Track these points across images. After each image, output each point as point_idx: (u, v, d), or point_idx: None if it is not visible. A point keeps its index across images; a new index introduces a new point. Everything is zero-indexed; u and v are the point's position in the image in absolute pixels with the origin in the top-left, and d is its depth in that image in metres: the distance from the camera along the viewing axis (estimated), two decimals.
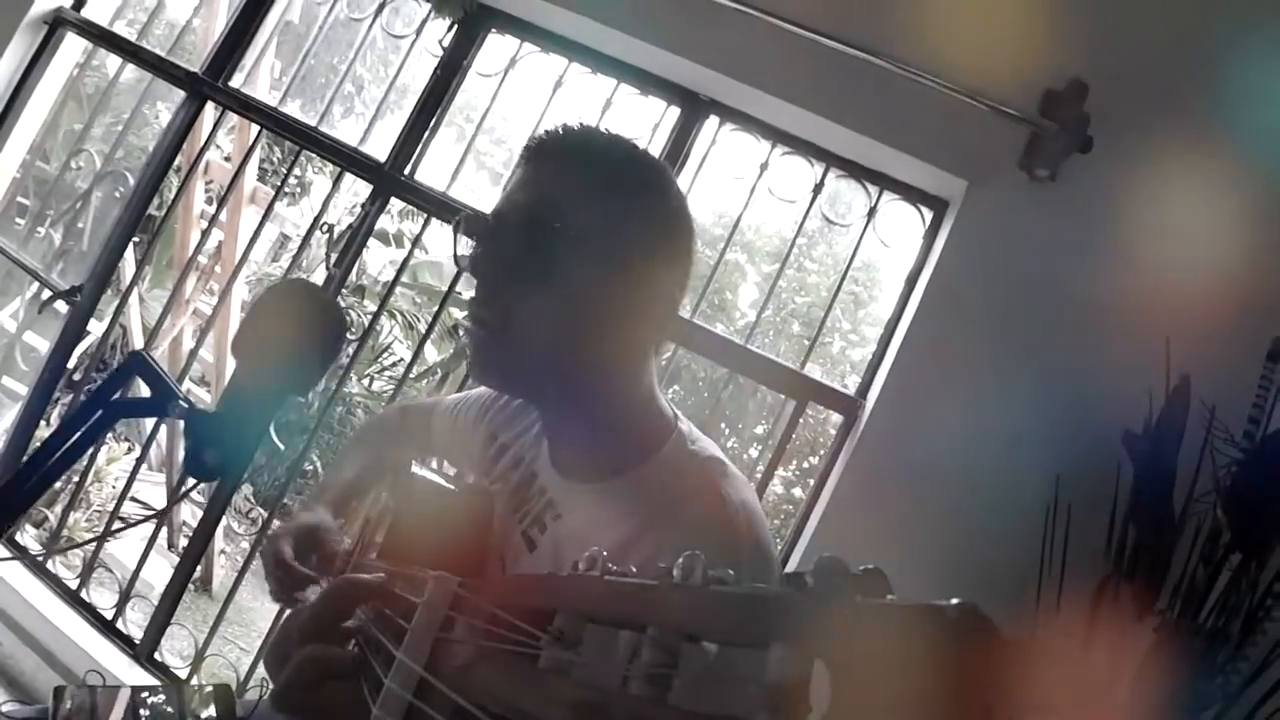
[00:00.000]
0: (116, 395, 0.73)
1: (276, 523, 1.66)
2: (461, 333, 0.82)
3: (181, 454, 0.75)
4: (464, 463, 1.02)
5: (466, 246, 0.75)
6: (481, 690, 0.29)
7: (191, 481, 0.75)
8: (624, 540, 0.69)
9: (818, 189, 1.89)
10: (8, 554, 1.88)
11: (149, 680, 1.82)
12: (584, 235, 0.70)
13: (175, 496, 2.60)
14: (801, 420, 1.87)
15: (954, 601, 0.16)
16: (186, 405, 0.73)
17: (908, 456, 1.63)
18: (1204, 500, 1.42)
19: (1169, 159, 1.63)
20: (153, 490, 3.55)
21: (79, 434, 0.71)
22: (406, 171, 1.98)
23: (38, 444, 0.71)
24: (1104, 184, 1.64)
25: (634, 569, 0.28)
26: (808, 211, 1.90)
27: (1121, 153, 1.62)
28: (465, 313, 0.77)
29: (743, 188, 1.92)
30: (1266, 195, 1.58)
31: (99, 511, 3.02)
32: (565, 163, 0.73)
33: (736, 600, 0.22)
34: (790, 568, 1.68)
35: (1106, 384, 1.55)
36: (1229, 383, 1.45)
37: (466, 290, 0.81)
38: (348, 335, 0.76)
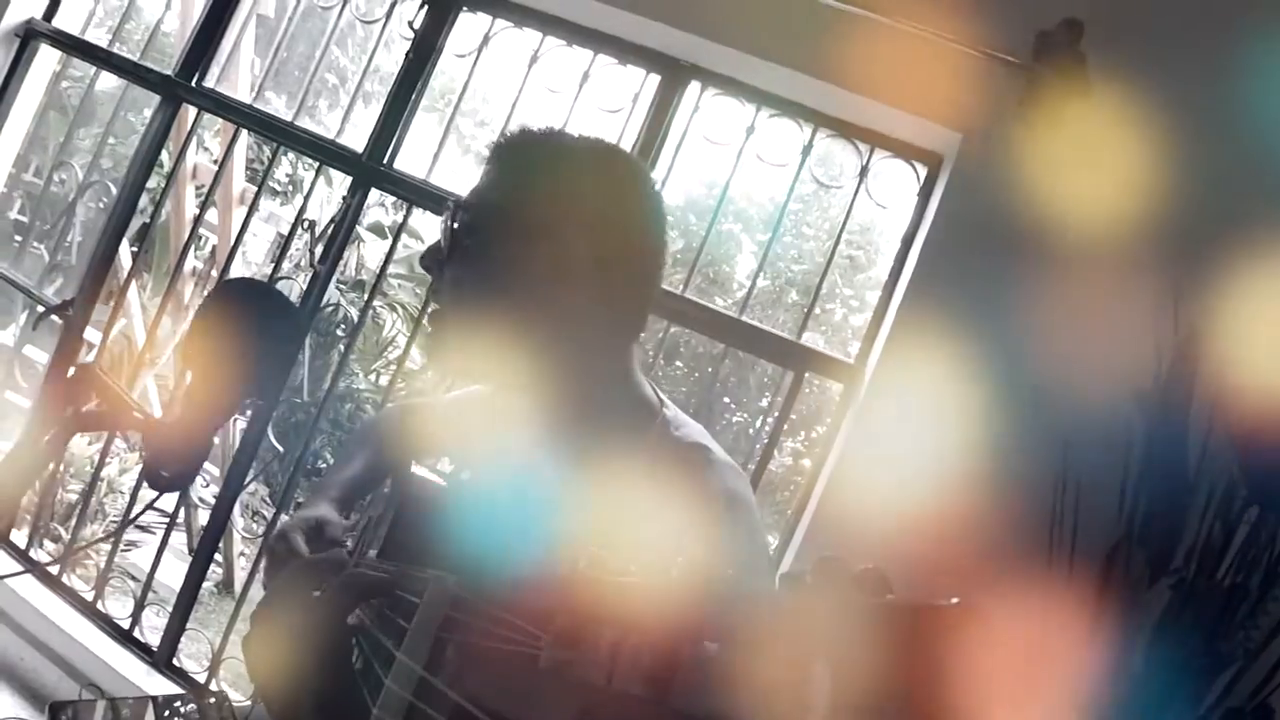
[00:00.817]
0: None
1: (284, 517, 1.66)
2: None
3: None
4: (464, 459, 1.02)
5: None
6: (482, 690, 0.29)
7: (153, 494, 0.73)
8: (609, 530, 0.67)
9: (807, 150, 1.83)
10: (19, 568, 1.90)
11: (169, 687, 1.84)
12: (503, 219, 0.72)
13: (144, 506, 2.62)
14: (808, 390, 1.84)
15: (954, 600, 0.16)
16: (140, 417, 0.71)
17: (911, 423, 1.59)
18: (1220, 458, 1.38)
19: (1170, 97, 1.56)
20: (169, 497, 3.57)
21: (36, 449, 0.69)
22: (386, 160, 1.95)
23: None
24: (1105, 127, 1.57)
25: (632, 568, 0.28)
26: (798, 175, 1.85)
27: (1122, 93, 1.55)
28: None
29: (729, 154, 1.87)
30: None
31: (115, 521, 3.05)
32: (521, 159, 0.76)
33: (736, 600, 0.22)
34: (797, 540, 1.66)
35: (1115, 341, 1.50)
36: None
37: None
38: (299, 326, 0.74)
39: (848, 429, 1.65)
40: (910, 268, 1.67)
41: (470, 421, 0.99)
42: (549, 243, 0.72)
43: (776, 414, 1.76)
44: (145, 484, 0.73)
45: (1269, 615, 1.25)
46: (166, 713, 1.07)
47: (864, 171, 1.81)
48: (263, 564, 0.95)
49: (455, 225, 0.74)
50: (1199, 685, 1.25)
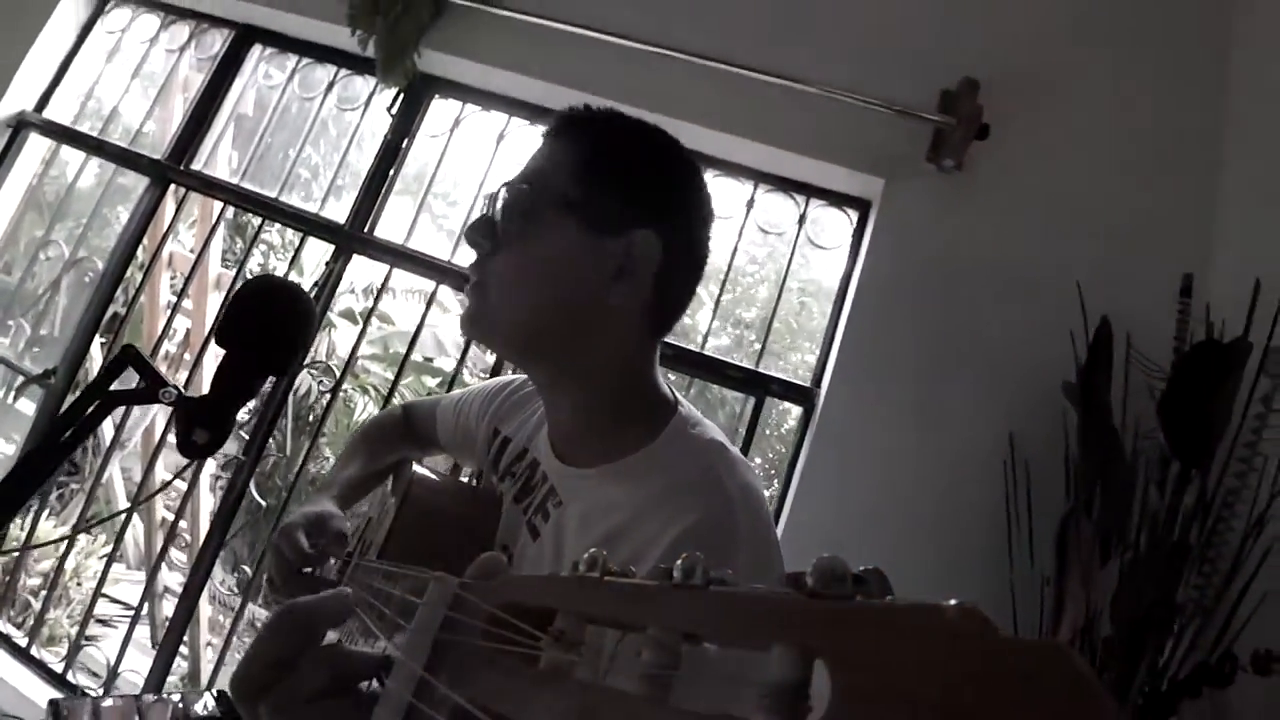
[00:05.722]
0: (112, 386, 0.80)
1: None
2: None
3: (174, 438, 0.82)
4: (469, 459, 1.03)
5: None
6: (482, 690, 0.29)
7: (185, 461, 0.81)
8: (622, 526, 0.68)
9: (750, 204, 2.03)
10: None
11: None
12: (550, 195, 0.70)
13: (148, 494, 2.57)
14: (773, 433, 1.95)
15: (953, 601, 0.16)
16: (175, 392, 0.80)
17: (866, 437, 1.73)
18: (1151, 435, 1.51)
19: (1060, 132, 1.82)
20: (131, 589, 3.47)
21: (79, 424, 0.78)
22: (366, 228, 2.09)
23: (39, 437, 0.77)
24: (1006, 164, 1.81)
25: (633, 567, 0.28)
26: (742, 227, 2.04)
27: (1017, 134, 1.80)
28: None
29: None
30: (1168, 143, 1.77)
31: (80, 605, 2.95)
32: (565, 138, 0.73)
33: (737, 600, 0.21)
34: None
35: (1040, 340, 1.68)
36: (1149, 322, 1.57)
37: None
38: (314, 314, 0.84)
39: (808, 446, 1.77)
40: (850, 299, 1.84)
41: (476, 419, 0.98)
42: (618, 240, 0.69)
43: (742, 436, 1.87)
44: (180, 452, 0.81)
45: (1213, 565, 1.33)
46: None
47: (802, 219, 2.01)
48: (267, 560, 0.91)
49: (514, 202, 0.71)
50: (1161, 640, 1.32)
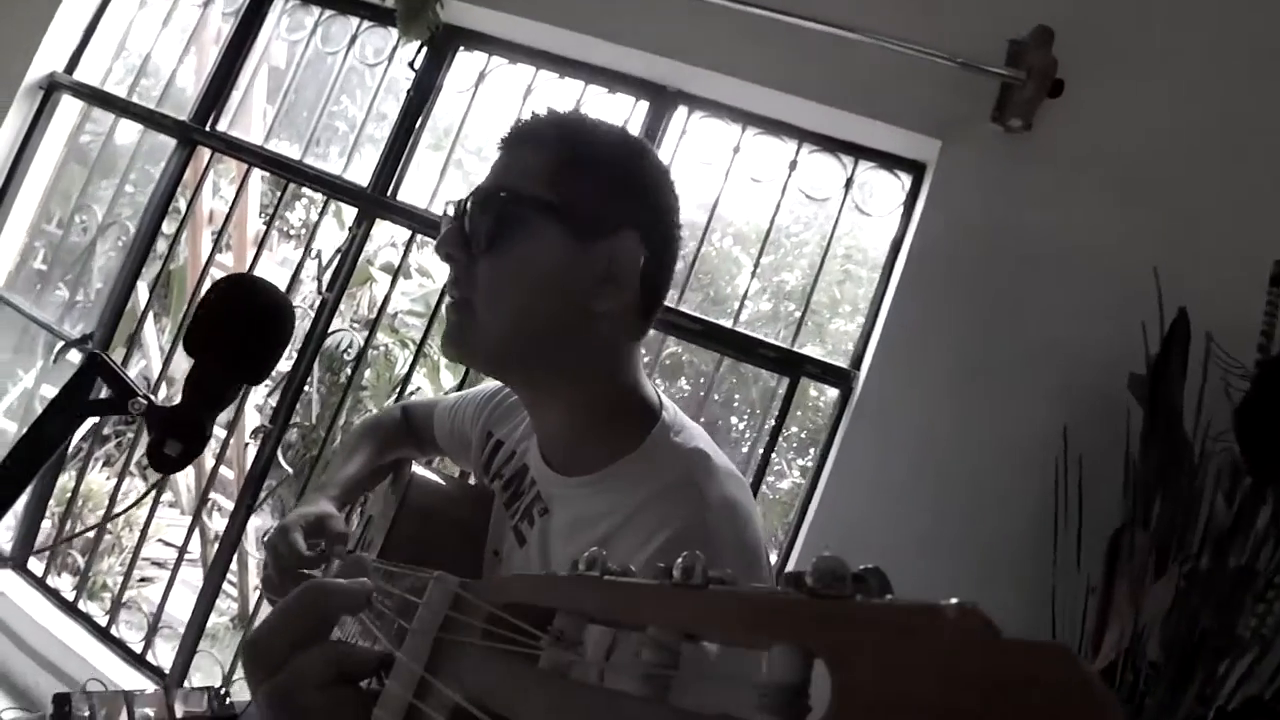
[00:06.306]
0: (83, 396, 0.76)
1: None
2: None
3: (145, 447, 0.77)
4: (464, 461, 1.02)
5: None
6: (482, 690, 0.29)
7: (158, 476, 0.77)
8: (604, 538, 0.67)
9: (793, 166, 1.89)
10: (44, 602, 1.93)
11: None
12: (531, 203, 0.67)
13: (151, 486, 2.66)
14: (811, 403, 1.85)
15: (954, 601, 0.16)
16: (145, 401, 0.75)
17: (906, 423, 1.61)
18: (1222, 439, 1.38)
19: (1144, 93, 1.61)
20: (180, 533, 3.62)
21: (48, 439, 0.74)
22: (389, 193, 2.03)
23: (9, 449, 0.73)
24: (1080, 127, 1.62)
25: (632, 568, 0.28)
26: (785, 189, 1.90)
27: (1094, 93, 1.60)
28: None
29: (718, 173, 1.93)
30: (1262, 112, 1.55)
31: (132, 553, 3.09)
32: (532, 144, 0.71)
33: (736, 600, 0.21)
34: (797, 547, 1.67)
35: (1104, 326, 1.53)
36: (1233, 314, 1.41)
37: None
38: (294, 318, 0.78)
39: (844, 432, 1.67)
40: (899, 271, 1.71)
41: (471, 421, 0.97)
42: (603, 244, 0.68)
43: (770, 425, 1.78)
44: (150, 465, 0.77)
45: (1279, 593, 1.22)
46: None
47: (849, 183, 1.86)
48: (264, 559, 0.90)
49: (493, 211, 0.68)
50: (1213, 669, 1.23)
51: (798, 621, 0.19)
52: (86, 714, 0.87)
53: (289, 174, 2.10)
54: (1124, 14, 1.62)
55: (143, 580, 3.25)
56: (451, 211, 0.72)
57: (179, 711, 0.95)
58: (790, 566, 1.68)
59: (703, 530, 0.63)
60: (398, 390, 5.29)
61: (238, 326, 0.74)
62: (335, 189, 2.06)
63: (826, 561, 0.19)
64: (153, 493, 2.20)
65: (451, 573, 0.39)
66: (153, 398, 0.77)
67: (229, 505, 4.01)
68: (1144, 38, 1.62)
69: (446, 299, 0.73)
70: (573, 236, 0.68)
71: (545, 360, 0.71)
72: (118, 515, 2.49)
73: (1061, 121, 1.61)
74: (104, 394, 0.76)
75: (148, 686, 1.78)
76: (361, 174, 2.08)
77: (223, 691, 1.04)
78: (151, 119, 2.21)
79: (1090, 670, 0.14)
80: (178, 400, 0.76)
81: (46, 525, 2.36)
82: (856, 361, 1.75)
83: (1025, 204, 1.63)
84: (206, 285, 2.89)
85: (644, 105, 1.95)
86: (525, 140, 0.72)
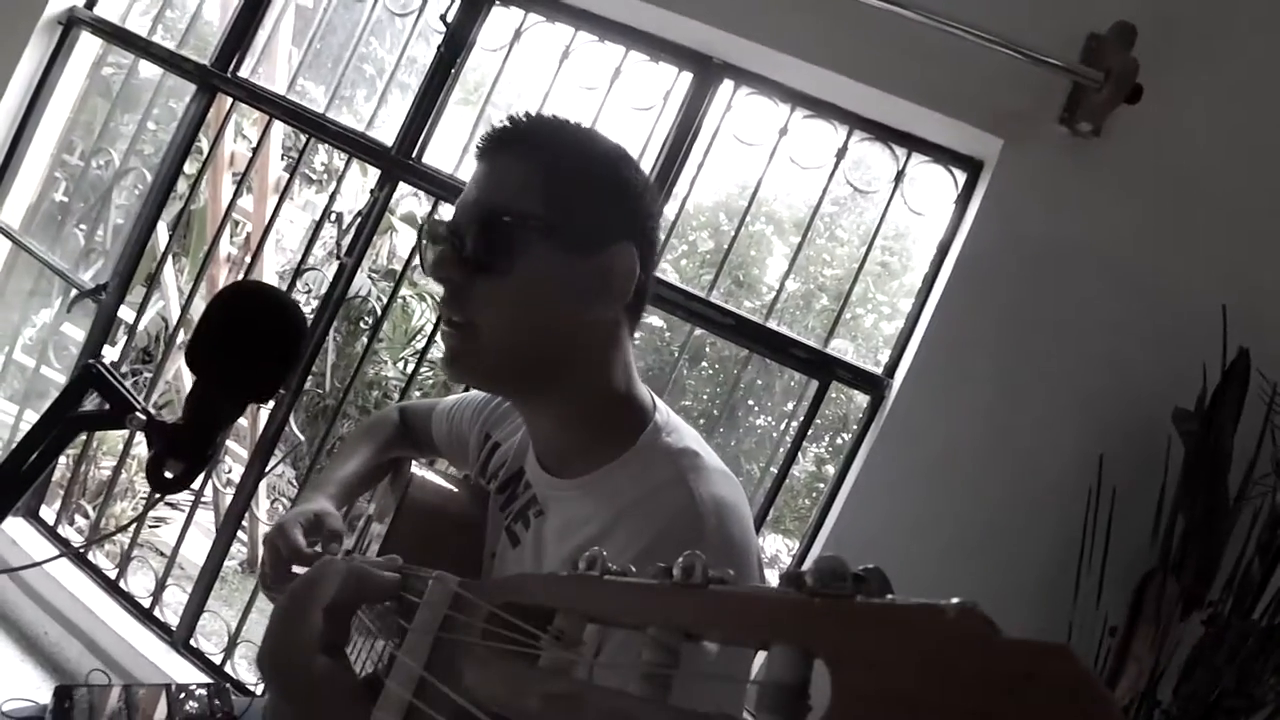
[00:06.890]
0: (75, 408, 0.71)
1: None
2: (439, 337, 0.77)
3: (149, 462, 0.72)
4: (462, 463, 1.03)
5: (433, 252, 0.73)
6: (481, 690, 0.29)
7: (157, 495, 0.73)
8: (596, 537, 0.68)
9: (841, 153, 1.78)
10: (53, 550, 1.94)
11: (185, 667, 1.87)
12: (533, 223, 0.67)
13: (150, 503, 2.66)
14: (834, 394, 1.79)
15: (954, 601, 0.16)
16: (145, 417, 0.70)
17: (938, 437, 1.55)
18: (1262, 483, 1.32)
19: (1226, 108, 1.48)
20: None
21: (39, 450, 0.69)
22: (415, 153, 1.94)
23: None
24: (1154, 138, 1.50)
25: (632, 568, 0.28)
26: (831, 177, 1.80)
27: (1174, 102, 1.48)
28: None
29: (762, 155, 1.82)
30: None
31: (144, 499, 3.12)
32: (511, 154, 0.71)
33: (737, 599, 0.21)
34: (816, 549, 1.63)
35: (1156, 356, 1.44)
36: None
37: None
38: (305, 331, 0.72)
39: (872, 440, 1.61)
40: (945, 276, 1.61)
41: (469, 423, 0.99)
42: (598, 257, 0.69)
43: (800, 420, 1.72)
44: (149, 485, 0.72)
45: None
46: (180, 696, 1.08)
47: (900, 176, 1.75)
48: (262, 557, 0.91)
49: (490, 232, 0.68)
50: None
51: (798, 621, 0.19)
52: (87, 709, 0.86)
53: (310, 128, 2.02)
54: (1216, 17, 1.48)
55: (155, 522, 3.29)
56: (442, 232, 0.71)
57: (179, 711, 0.94)
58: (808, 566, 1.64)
59: (690, 529, 0.64)
60: (415, 341, 5.30)
61: (242, 347, 0.68)
62: (358, 147, 1.97)
63: (827, 561, 0.19)
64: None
65: (451, 573, 0.39)
66: (152, 412, 0.72)
67: (243, 452, 4.04)
68: (1236, 46, 1.48)
69: (444, 324, 0.73)
70: (571, 252, 0.68)
71: (544, 372, 0.72)
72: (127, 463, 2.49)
73: (1135, 130, 1.49)
74: (108, 394, 0.71)
75: (150, 651, 1.80)
76: (388, 125, 1.99)
77: (224, 689, 1.02)
78: (172, 62, 2.12)
79: (1088, 669, 0.14)
80: (181, 400, 0.72)
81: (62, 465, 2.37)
82: (890, 369, 1.68)
83: (1086, 216, 1.53)
84: (222, 226, 2.84)
85: (687, 77, 1.84)
86: (509, 149, 0.71)
